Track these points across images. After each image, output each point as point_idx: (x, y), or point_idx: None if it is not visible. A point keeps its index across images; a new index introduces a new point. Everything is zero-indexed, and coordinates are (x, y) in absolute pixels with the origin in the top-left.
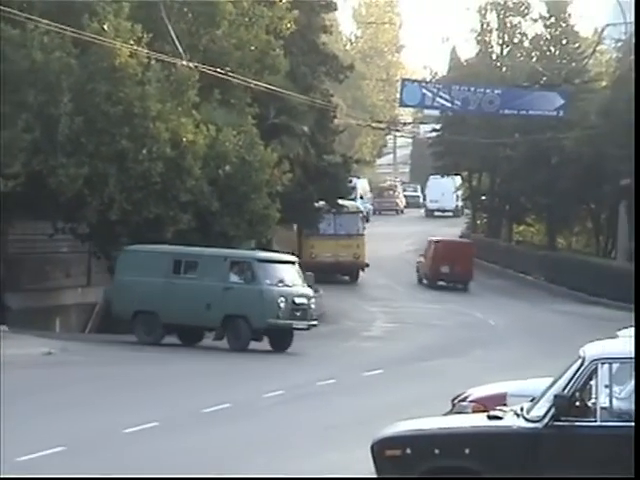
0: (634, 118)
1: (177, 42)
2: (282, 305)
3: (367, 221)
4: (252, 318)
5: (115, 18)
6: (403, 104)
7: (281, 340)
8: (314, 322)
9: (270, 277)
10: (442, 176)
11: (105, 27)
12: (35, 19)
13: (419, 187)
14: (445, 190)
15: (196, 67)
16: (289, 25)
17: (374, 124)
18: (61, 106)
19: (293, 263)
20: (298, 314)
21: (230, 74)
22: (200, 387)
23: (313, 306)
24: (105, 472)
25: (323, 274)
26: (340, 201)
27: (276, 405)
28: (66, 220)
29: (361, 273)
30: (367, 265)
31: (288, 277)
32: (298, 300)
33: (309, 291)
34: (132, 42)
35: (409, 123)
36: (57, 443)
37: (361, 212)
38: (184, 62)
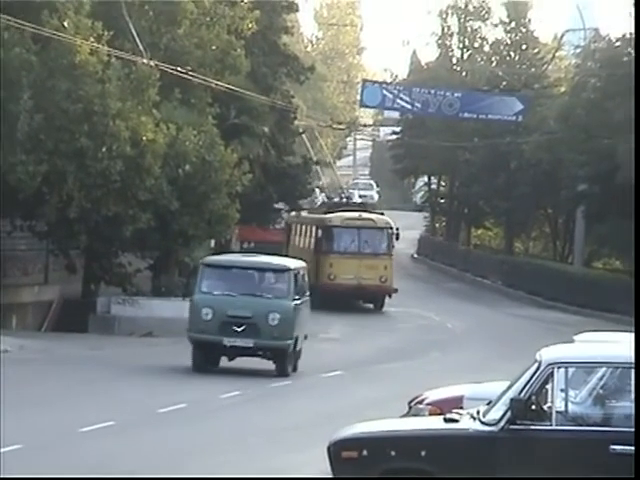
0: (634, 118)
1: (138, 40)
2: (207, 317)
3: (397, 238)
4: (188, 331)
5: (75, 15)
6: (363, 105)
7: (216, 358)
8: (278, 342)
9: (217, 285)
10: (401, 179)
11: (65, 24)
12: None
13: (374, 184)
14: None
15: (157, 66)
16: (250, 25)
17: (334, 125)
18: (21, 103)
19: (274, 271)
20: (236, 329)
21: (191, 73)
22: (156, 387)
23: (275, 322)
24: (61, 471)
25: (342, 299)
26: (367, 214)
27: (232, 406)
28: (24, 217)
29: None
30: (395, 290)
31: (251, 286)
32: (233, 312)
33: (278, 305)
34: (92, 39)
35: (369, 125)
36: (13, 441)
37: (390, 228)
38: (145, 60)
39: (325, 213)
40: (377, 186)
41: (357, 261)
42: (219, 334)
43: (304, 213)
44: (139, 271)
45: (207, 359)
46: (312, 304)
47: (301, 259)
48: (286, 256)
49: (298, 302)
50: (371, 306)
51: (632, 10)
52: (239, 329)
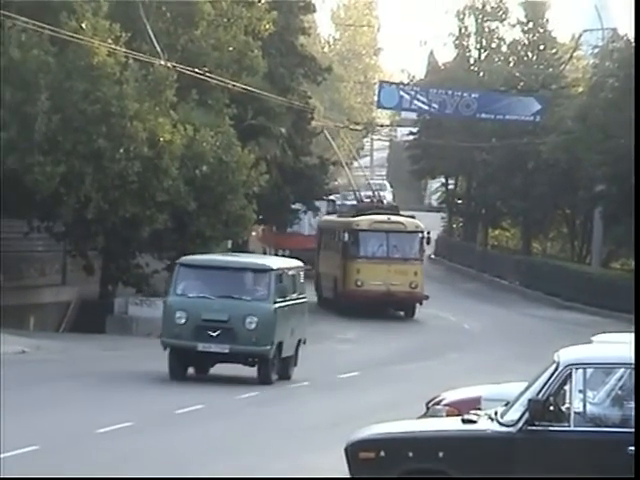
0: (634, 118)
1: (155, 41)
2: (181, 321)
3: (428, 243)
4: (161, 336)
5: (93, 16)
6: (380, 106)
7: (200, 366)
8: (256, 348)
9: (193, 286)
10: (418, 179)
11: (83, 25)
12: (12, 16)
13: (387, 184)
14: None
15: (174, 67)
16: (267, 26)
17: (352, 126)
18: (38, 104)
19: (253, 271)
20: (211, 334)
21: (208, 74)
22: (174, 388)
23: (253, 326)
24: (78, 472)
25: (370, 307)
26: (396, 217)
27: (250, 406)
28: (42, 218)
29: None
30: (426, 297)
31: (228, 287)
32: (208, 316)
33: (257, 308)
34: (110, 41)
35: (387, 125)
36: (29, 442)
37: (421, 232)
38: (162, 62)
39: (354, 216)
40: (391, 187)
41: (386, 266)
42: (193, 339)
43: (334, 217)
44: (156, 272)
45: (185, 365)
46: (340, 312)
47: (331, 265)
48: (315, 263)
49: (282, 305)
50: (402, 314)
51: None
52: (214, 334)
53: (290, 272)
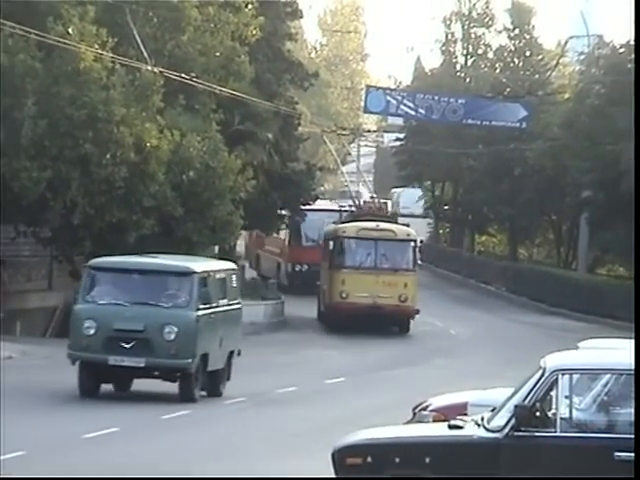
0: (634, 120)
1: (142, 47)
2: (90, 331)
3: (420, 252)
4: (69, 348)
5: (80, 21)
6: (367, 110)
7: (118, 382)
8: (176, 361)
9: (104, 292)
10: (404, 187)
11: (70, 30)
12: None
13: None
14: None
15: (161, 72)
16: (254, 32)
17: (339, 131)
18: (25, 109)
19: (173, 274)
20: (125, 346)
21: (195, 80)
22: (160, 393)
23: (172, 336)
24: (63, 476)
25: (357, 321)
26: (386, 224)
27: (237, 412)
28: (28, 223)
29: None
30: (417, 312)
31: (145, 293)
32: (120, 325)
33: (177, 315)
34: (97, 46)
35: (373, 131)
36: (16, 447)
37: (414, 240)
38: (149, 67)
39: (342, 223)
40: (371, 192)
41: (373, 277)
42: (104, 352)
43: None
44: None
45: (97, 382)
46: (325, 326)
47: (322, 276)
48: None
49: (207, 312)
50: (396, 329)
51: (632, 16)
52: (128, 346)
53: (218, 275)
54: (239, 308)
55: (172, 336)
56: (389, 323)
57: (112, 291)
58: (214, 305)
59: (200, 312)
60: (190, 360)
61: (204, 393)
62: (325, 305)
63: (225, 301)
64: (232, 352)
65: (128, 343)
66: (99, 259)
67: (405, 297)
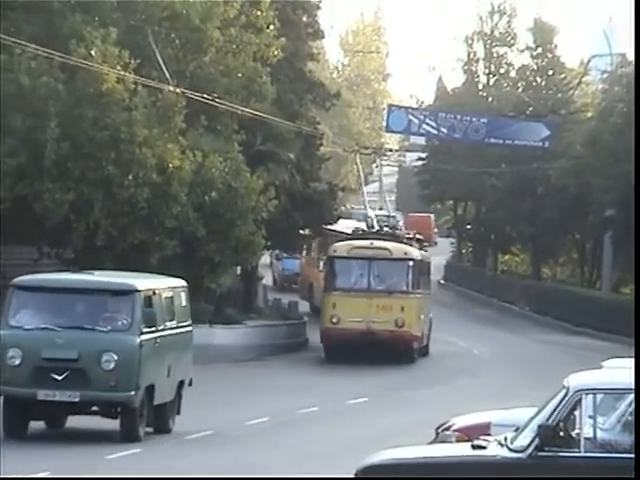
0: (634, 121)
1: (164, 68)
2: (14, 362)
3: (428, 273)
4: None
5: (102, 43)
6: (389, 130)
7: (50, 419)
8: (116, 394)
9: (32, 315)
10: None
11: (92, 52)
12: (23, 43)
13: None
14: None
15: (183, 93)
16: (276, 52)
17: (361, 150)
18: (48, 131)
19: (112, 293)
20: (57, 378)
21: (217, 100)
22: (182, 414)
23: (112, 365)
24: None
25: (348, 349)
26: (383, 242)
27: (258, 432)
28: (51, 245)
29: None
30: (417, 338)
31: (79, 315)
32: (50, 354)
33: (117, 341)
34: (119, 67)
35: (396, 150)
36: (41, 468)
37: (411, 259)
38: (171, 88)
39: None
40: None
41: (367, 300)
42: (31, 385)
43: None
44: None
45: (25, 419)
46: (317, 356)
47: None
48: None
49: (152, 336)
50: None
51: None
52: (59, 377)
53: (165, 294)
54: (190, 331)
55: (111, 365)
56: (386, 351)
57: (40, 314)
58: (160, 328)
59: (144, 336)
60: (132, 393)
61: (150, 430)
62: (320, 331)
63: (173, 323)
64: (182, 382)
65: (60, 374)
66: (25, 277)
67: (402, 322)
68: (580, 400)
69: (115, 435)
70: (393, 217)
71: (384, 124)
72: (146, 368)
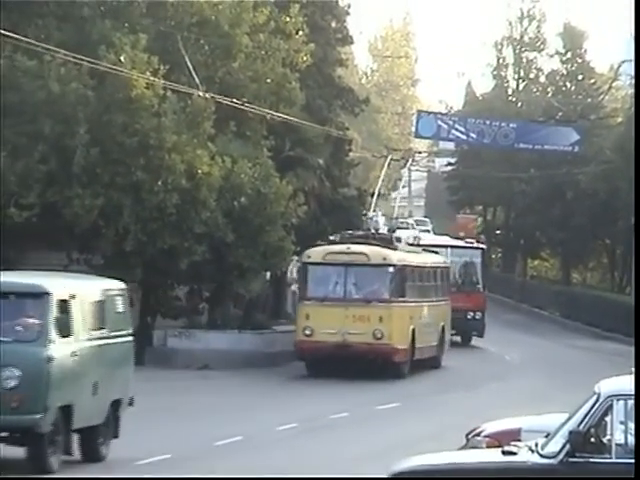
0: (634, 122)
1: (194, 73)
2: None
3: (392, 282)
4: None
5: (132, 49)
6: (418, 135)
7: None
8: (18, 418)
9: None
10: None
11: (122, 58)
12: (53, 49)
13: (428, 221)
14: None
15: (212, 98)
16: (305, 58)
17: (391, 153)
18: (77, 137)
19: (19, 296)
20: None
21: (246, 105)
22: (211, 420)
23: (13, 383)
24: None
25: (323, 363)
26: (360, 247)
27: (289, 438)
28: (81, 251)
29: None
30: (398, 352)
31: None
32: None
33: (20, 354)
34: (148, 73)
35: (425, 152)
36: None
37: (392, 265)
38: (200, 93)
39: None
40: (431, 222)
41: (342, 310)
42: None
43: None
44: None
45: None
46: (293, 371)
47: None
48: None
49: (68, 348)
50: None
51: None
52: None
53: (92, 298)
54: (129, 341)
55: (12, 383)
56: (364, 366)
57: None
58: (83, 338)
59: (56, 348)
60: (39, 415)
61: (76, 458)
62: (294, 345)
63: (103, 332)
64: (118, 401)
65: None
66: None
67: (380, 334)
68: (611, 406)
69: (23, 465)
70: (423, 222)
71: (413, 130)
72: (59, 385)
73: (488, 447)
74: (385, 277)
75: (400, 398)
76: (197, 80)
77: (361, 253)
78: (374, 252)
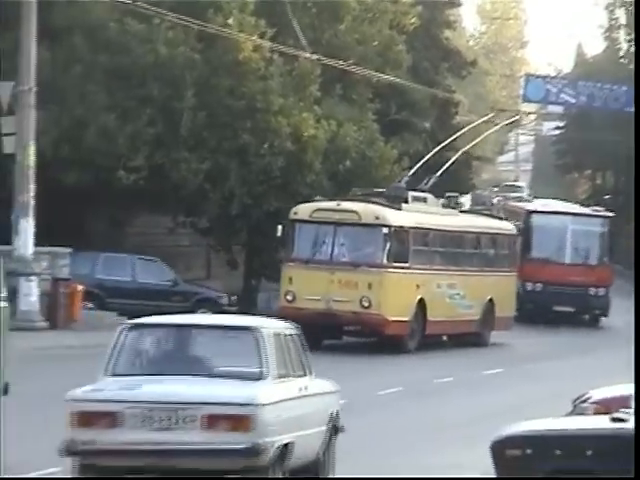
0: (634, 119)
1: (301, 36)
2: None
3: (388, 244)
4: None
5: (240, 13)
6: (526, 99)
7: None
8: None
9: None
10: (563, 174)
11: (229, 22)
12: (161, 12)
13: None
14: None
15: (318, 60)
16: (412, 20)
17: (498, 115)
18: (184, 100)
19: None
20: None
21: (352, 68)
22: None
23: None
24: None
25: (310, 332)
26: (351, 204)
27: (393, 401)
28: (187, 214)
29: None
30: (389, 323)
31: None
32: None
33: None
34: (256, 36)
35: (533, 113)
36: None
37: (387, 226)
38: (307, 55)
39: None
40: (527, 188)
41: (327, 275)
42: None
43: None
44: None
45: None
46: None
47: None
48: None
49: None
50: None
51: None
52: None
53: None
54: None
55: None
56: (358, 334)
57: None
58: None
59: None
60: None
61: None
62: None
63: None
64: (5, 387)
65: None
66: None
67: (368, 302)
68: None
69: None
70: (518, 188)
71: (521, 93)
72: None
73: (595, 414)
74: (378, 239)
75: (505, 363)
76: (304, 42)
77: (352, 211)
78: (367, 210)
